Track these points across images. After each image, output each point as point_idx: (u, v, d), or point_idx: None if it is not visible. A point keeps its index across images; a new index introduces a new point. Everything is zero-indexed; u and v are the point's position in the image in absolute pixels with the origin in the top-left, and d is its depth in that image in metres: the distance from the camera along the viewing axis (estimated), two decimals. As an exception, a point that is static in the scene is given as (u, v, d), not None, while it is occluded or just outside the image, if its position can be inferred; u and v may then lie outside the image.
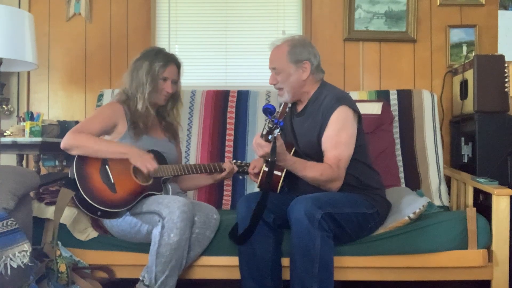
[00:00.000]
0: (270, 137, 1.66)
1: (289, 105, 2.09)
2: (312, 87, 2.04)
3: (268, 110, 1.66)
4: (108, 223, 2.04)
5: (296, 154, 1.99)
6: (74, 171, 1.95)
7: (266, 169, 1.94)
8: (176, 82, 2.19)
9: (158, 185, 2.05)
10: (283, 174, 1.96)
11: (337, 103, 1.92)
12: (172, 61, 2.17)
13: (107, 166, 1.98)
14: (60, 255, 1.89)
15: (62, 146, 1.98)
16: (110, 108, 2.13)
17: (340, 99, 1.95)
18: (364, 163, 2.02)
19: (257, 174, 2.04)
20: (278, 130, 1.65)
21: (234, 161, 2.31)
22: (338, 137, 1.90)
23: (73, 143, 1.96)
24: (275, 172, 1.92)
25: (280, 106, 2.08)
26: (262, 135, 1.71)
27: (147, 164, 1.99)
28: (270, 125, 1.65)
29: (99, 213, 1.93)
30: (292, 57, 1.98)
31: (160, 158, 2.10)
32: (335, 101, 1.93)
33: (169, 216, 1.84)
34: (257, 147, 1.74)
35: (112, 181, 1.97)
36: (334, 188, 1.90)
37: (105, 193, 1.94)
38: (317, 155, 1.94)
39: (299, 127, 2.06)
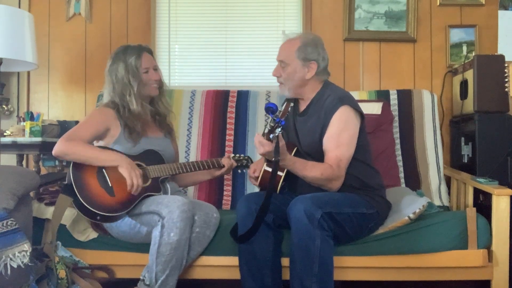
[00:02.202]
0: (271, 136, 1.66)
1: (292, 104, 2.09)
2: (314, 88, 2.04)
3: (270, 109, 1.65)
4: (107, 224, 2.04)
5: (298, 153, 1.99)
6: (71, 176, 1.93)
7: (268, 168, 1.93)
8: (156, 68, 2.16)
9: (156, 185, 2.05)
10: (284, 174, 1.96)
11: (339, 103, 1.92)
12: (142, 50, 2.13)
13: (104, 170, 1.97)
14: (58, 261, 1.88)
15: (54, 153, 1.95)
16: (101, 113, 2.08)
17: (342, 99, 1.95)
18: (365, 163, 2.01)
19: (257, 178, 2.04)
20: (279, 129, 1.64)
21: (232, 155, 2.30)
22: (339, 137, 1.90)
23: (64, 151, 1.93)
24: None
25: (282, 105, 2.08)
26: (263, 134, 1.71)
27: (134, 178, 1.92)
28: (272, 124, 1.65)
29: (98, 217, 1.91)
30: (301, 54, 1.98)
31: (157, 157, 2.09)
32: (337, 101, 1.93)
33: (169, 215, 1.84)
34: (258, 145, 1.74)
35: (110, 185, 1.95)
36: (334, 187, 1.90)
37: (103, 197, 1.92)
38: (319, 155, 1.94)
39: (301, 126, 2.06)
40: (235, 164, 2.25)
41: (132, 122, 2.06)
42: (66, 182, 1.97)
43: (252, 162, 2.34)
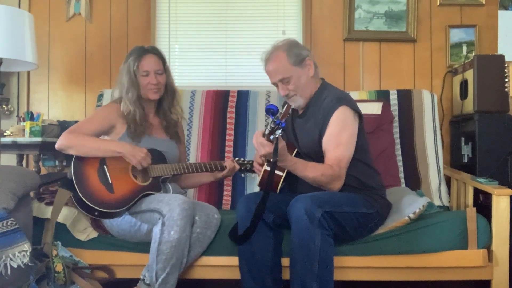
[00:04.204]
0: (272, 137, 1.67)
1: (292, 106, 2.09)
2: (314, 86, 2.03)
3: (271, 111, 1.65)
4: (107, 222, 2.04)
5: (297, 155, 1.99)
6: (72, 171, 1.95)
7: (268, 168, 1.94)
8: (161, 73, 2.13)
9: (157, 184, 2.05)
10: (284, 174, 1.96)
11: (337, 103, 1.92)
12: (146, 51, 2.12)
13: (105, 166, 1.98)
14: (56, 255, 1.88)
15: (57, 146, 1.99)
16: (108, 109, 2.12)
17: (340, 99, 1.95)
18: (365, 163, 2.01)
19: (261, 165, 2.04)
20: (280, 131, 1.65)
21: (237, 159, 2.30)
22: (338, 137, 1.90)
23: (67, 143, 1.96)
24: (276, 172, 1.92)
25: (283, 107, 2.08)
26: (264, 135, 1.71)
27: (142, 161, 1.99)
28: (273, 126, 1.65)
29: (96, 213, 1.93)
30: (294, 59, 1.96)
31: (159, 157, 2.10)
32: (335, 101, 1.93)
33: (169, 213, 1.84)
34: (258, 146, 1.74)
35: (110, 181, 1.96)
36: (335, 188, 1.90)
37: (103, 194, 1.93)
38: (318, 156, 1.94)
39: (300, 128, 2.06)
40: (238, 167, 2.24)
41: (128, 121, 2.08)
42: (68, 176, 1.98)
43: None
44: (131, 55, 2.11)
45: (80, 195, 1.90)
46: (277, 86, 2.01)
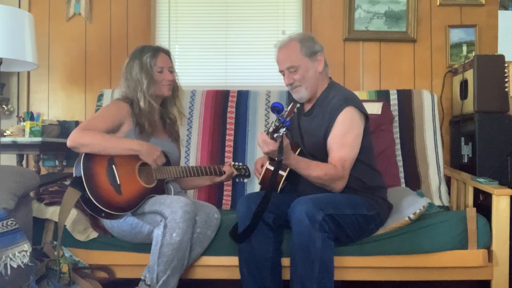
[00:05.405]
0: (275, 135, 1.66)
1: (298, 105, 2.08)
2: (322, 84, 2.03)
3: (276, 109, 1.65)
4: (108, 223, 2.04)
5: (301, 154, 1.99)
6: (81, 170, 1.91)
7: (270, 167, 1.94)
8: (172, 70, 2.16)
9: (161, 187, 2.04)
10: (286, 173, 1.95)
11: (344, 103, 1.92)
12: (159, 50, 2.14)
13: (113, 166, 1.96)
14: (63, 255, 1.89)
15: (69, 144, 1.93)
16: (116, 107, 2.09)
17: (348, 100, 1.94)
18: (368, 164, 2.01)
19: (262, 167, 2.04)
20: (284, 129, 1.64)
21: (233, 163, 2.31)
22: (344, 138, 1.90)
23: (81, 141, 1.92)
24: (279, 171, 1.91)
25: (288, 106, 2.08)
26: (268, 132, 1.70)
27: (157, 159, 2.00)
28: (277, 124, 1.65)
29: (103, 214, 1.91)
30: (306, 50, 1.97)
31: (165, 158, 2.10)
32: (342, 101, 1.93)
33: (171, 216, 1.84)
34: (262, 144, 1.74)
35: (118, 183, 1.94)
36: (338, 188, 1.89)
37: (111, 195, 1.92)
38: (322, 155, 1.94)
39: (306, 126, 2.05)
40: (235, 172, 2.27)
41: (141, 118, 2.06)
42: (74, 175, 1.94)
43: (249, 172, 2.37)
44: (144, 53, 2.09)
45: (90, 195, 1.88)
46: (283, 74, 2.02)
